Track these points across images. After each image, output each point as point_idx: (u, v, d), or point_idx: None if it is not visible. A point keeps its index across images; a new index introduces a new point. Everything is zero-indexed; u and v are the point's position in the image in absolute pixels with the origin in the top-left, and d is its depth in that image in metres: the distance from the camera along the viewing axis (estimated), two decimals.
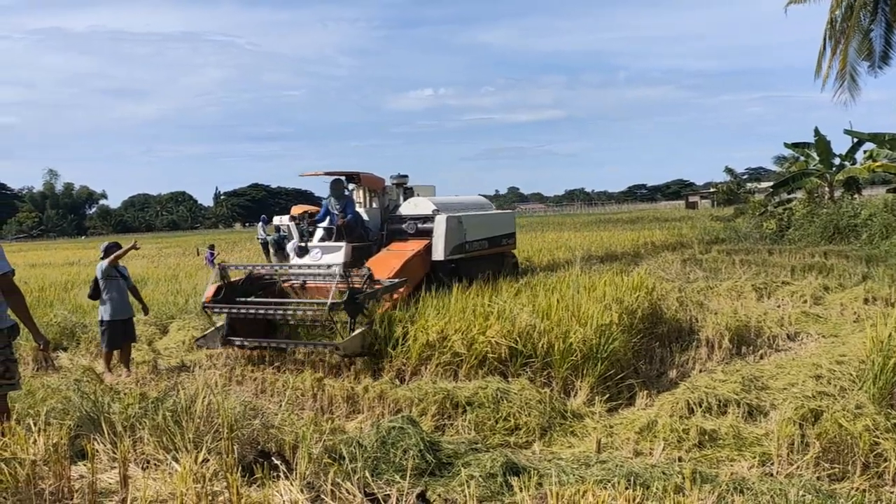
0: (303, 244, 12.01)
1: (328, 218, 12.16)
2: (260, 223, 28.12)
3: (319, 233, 12.32)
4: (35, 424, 4.72)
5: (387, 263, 10.61)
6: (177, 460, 4.45)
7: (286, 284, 10.71)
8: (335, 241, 11.68)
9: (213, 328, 10.02)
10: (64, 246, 59.15)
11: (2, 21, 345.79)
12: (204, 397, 5.29)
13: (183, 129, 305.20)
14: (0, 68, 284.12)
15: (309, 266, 10.46)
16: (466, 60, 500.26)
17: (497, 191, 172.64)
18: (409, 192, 13.65)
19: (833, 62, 23.26)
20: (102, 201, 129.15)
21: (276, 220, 21.44)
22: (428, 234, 11.89)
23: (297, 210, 17.94)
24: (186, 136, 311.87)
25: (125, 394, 6.93)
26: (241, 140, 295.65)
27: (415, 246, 11.50)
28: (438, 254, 11.63)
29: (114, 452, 4.76)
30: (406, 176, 13.63)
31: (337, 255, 11.01)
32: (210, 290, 10.08)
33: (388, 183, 13.27)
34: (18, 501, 4.06)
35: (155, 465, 4.78)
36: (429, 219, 12.18)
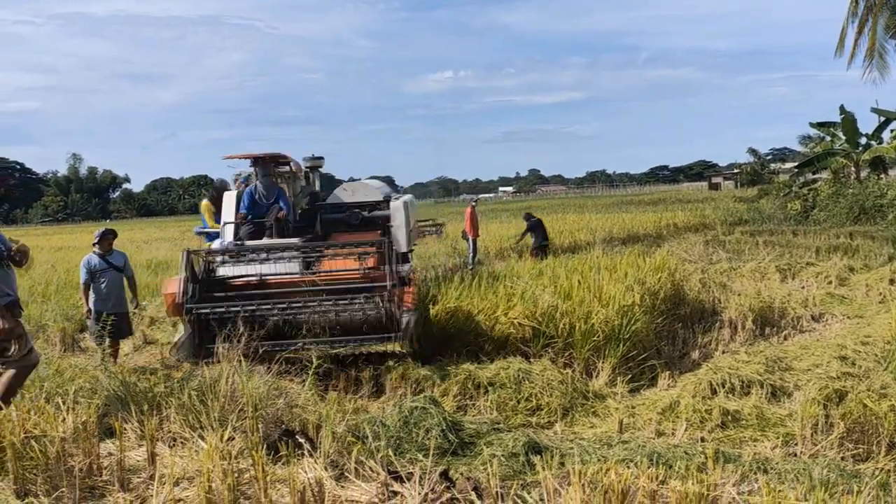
0: (239, 243, 9.59)
1: (253, 210, 10.01)
2: None
3: (229, 229, 10.02)
4: (64, 403, 4.79)
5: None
6: (203, 438, 4.50)
7: (240, 282, 8.83)
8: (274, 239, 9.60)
9: (184, 334, 8.37)
10: (89, 229, 59.58)
11: (25, 6, 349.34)
12: (228, 377, 5.35)
13: (204, 113, 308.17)
14: (23, 53, 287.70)
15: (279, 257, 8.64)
16: (486, 42, 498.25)
17: (518, 173, 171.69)
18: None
19: (860, 40, 22.86)
20: (126, 185, 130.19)
21: None
22: (374, 223, 10.16)
23: None
24: (208, 120, 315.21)
25: (151, 374, 7.03)
26: (261, 123, 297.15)
27: (375, 238, 9.49)
28: (402, 245, 9.84)
29: (141, 430, 4.83)
30: (321, 158, 11.72)
31: (292, 263, 8.92)
32: (178, 287, 8.28)
33: (302, 166, 11.45)
34: (49, 478, 4.14)
35: (182, 442, 4.85)
36: (376, 206, 10.39)
